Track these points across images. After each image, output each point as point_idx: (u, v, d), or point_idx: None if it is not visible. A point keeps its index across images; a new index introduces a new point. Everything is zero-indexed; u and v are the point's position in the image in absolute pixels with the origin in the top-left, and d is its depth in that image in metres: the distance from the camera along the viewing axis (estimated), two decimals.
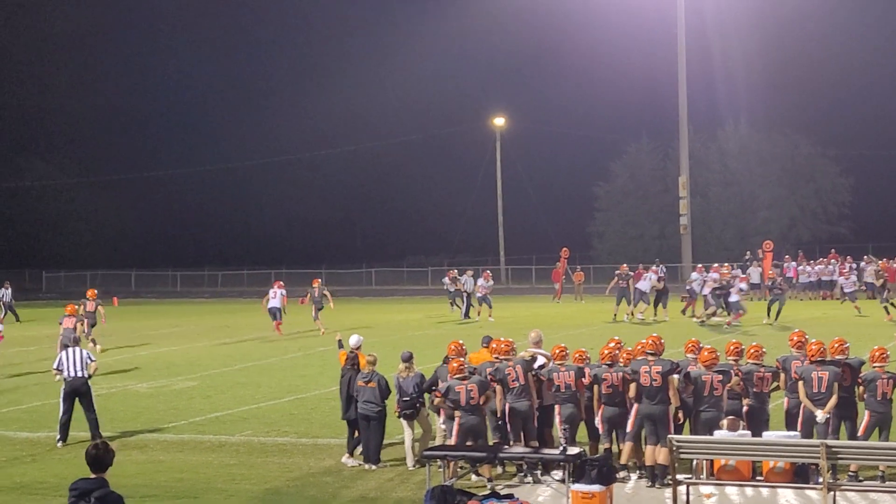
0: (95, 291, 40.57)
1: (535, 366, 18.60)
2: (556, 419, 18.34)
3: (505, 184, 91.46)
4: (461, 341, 19.08)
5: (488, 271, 51.71)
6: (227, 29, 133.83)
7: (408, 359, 19.19)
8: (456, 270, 52.31)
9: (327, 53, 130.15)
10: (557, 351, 18.48)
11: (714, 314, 41.82)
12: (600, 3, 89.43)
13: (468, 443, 17.34)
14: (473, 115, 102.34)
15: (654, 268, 47.44)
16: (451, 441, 17.65)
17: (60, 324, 34.73)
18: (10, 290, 55.49)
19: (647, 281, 44.27)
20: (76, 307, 36.22)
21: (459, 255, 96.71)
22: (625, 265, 48.39)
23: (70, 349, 22.18)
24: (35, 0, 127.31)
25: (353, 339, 21.29)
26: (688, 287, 45.31)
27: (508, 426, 18.03)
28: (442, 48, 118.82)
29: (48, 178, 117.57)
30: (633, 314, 44.57)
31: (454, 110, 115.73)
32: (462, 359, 18.20)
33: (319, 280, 47.99)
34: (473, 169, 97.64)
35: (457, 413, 17.55)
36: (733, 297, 40.78)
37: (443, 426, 18.59)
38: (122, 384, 29.80)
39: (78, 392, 21.75)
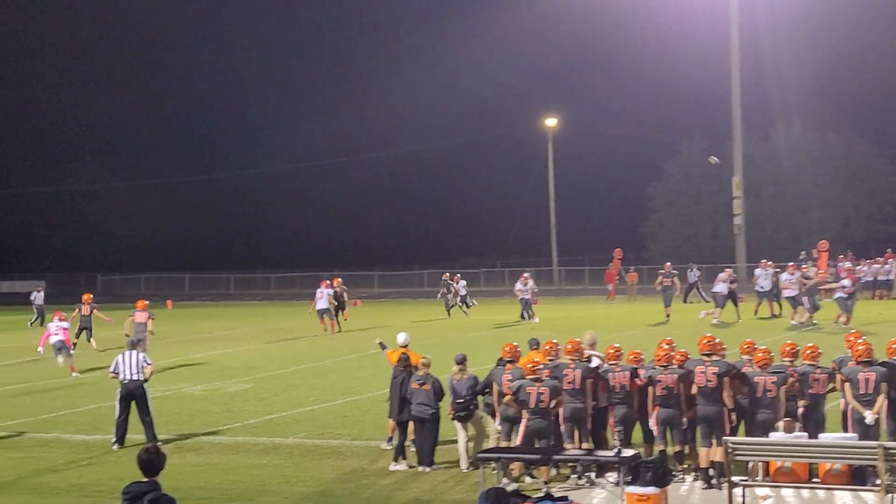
0: (90, 296, 41.40)
1: (591, 367, 18.51)
2: (610, 420, 18.28)
3: (557, 184, 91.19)
4: (516, 343, 19.02)
5: (525, 273, 51.86)
6: (279, 31, 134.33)
7: (461, 361, 19.16)
8: (448, 274, 54.45)
9: (380, 55, 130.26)
10: (611, 351, 18.41)
11: (810, 316, 41.10)
12: (653, 2, 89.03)
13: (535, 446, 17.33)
14: (525, 117, 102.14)
15: (727, 270, 46.47)
16: (518, 442, 17.61)
17: (131, 317, 35.86)
18: (42, 294, 55.47)
19: (724, 284, 43.49)
20: (146, 302, 36.96)
21: (512, 257, 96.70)
22: (668, 264, 48.26)
23: (127, 352, 22.30)
24: (87, 7, 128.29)
25: (401, 337, 21.34)
26: (758, 288, 44.69)
27: (562, 428, 17.98)
28: (494, 49, 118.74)
29: (102, 181, 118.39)
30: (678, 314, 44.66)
31: (506, 112, 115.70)
32: (537, 359, 18.11)
33: (340, 279, 48.27)
34: (526, 170, 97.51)
35: (524, 414, 17.51)
36: (839, 295, 40.17)
37: (497, 427, 18.55)
38: (177, 387, 29.94)
39: (133, 395, 21.85)
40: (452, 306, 52.36)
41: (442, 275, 55.16)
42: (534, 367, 17.65)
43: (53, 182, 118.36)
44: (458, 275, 54.85)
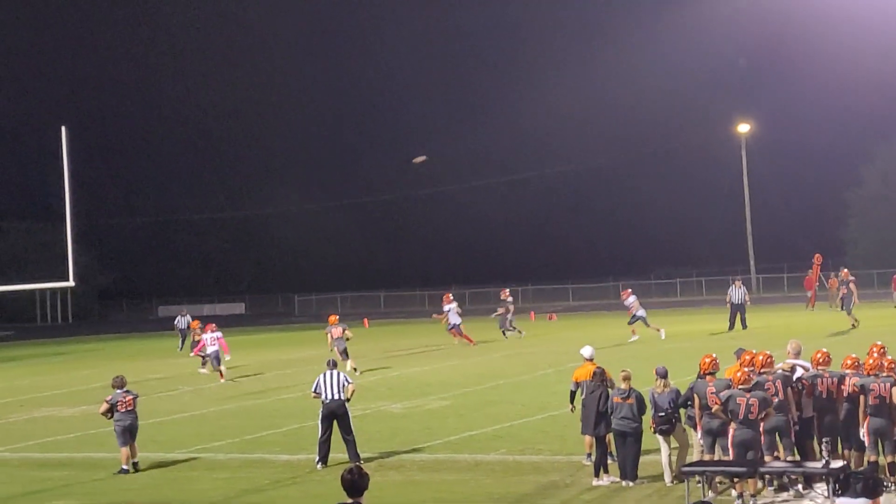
0: (336, 317, 42.38)
1: (795, 377, 18.07)
2: (815, 429, 17.79)
3: (752, 191, 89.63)
4: (714, 355, 18.64)
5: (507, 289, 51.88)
6: (446, 49, 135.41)
7: (664, 374, 18.89)
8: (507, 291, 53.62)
9: (553, 64, 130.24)
10: (819, 357, 17.96)
11: None
12: (845, 3, 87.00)
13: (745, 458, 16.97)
14: (717, 124, 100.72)
15: None
16: (730, 455, 17.28)
17: (329, 334, 38.04)
18: (187, 317, 53.13)
19: None
20: (335, 315, 39.47)
21: (708, 266, 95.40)
22: (845, 270, 47.31)
23: (328, 372, 22.48)
24: (274, 41, 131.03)
25: (587, 351, 21.28)
26: None
27: (763, 440, 17.56)
28: (678, 56, 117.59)
29: (295, 204, 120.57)
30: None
31: (696, 120, 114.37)
32: (748, 369, 17.74)
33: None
34: (719, 178, 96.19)
35: (732, 425, 17.16)
36: None
37: (700, 440, 18.22)
38: (376, 405, 30.15)
39: (335, 414, 22.03)
40: (509, 328, 49.99)
41: (501, 292, 53.47)
42: (744, 376, 17.28)
43: (248, 206, 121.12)
44: (507, 290, 53.94)
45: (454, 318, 45.31)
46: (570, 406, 21.59)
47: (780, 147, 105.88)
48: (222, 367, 38.69)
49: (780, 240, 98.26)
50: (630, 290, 47.20)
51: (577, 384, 21.02)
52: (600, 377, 19.75)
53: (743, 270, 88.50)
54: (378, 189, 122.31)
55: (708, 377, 18.15)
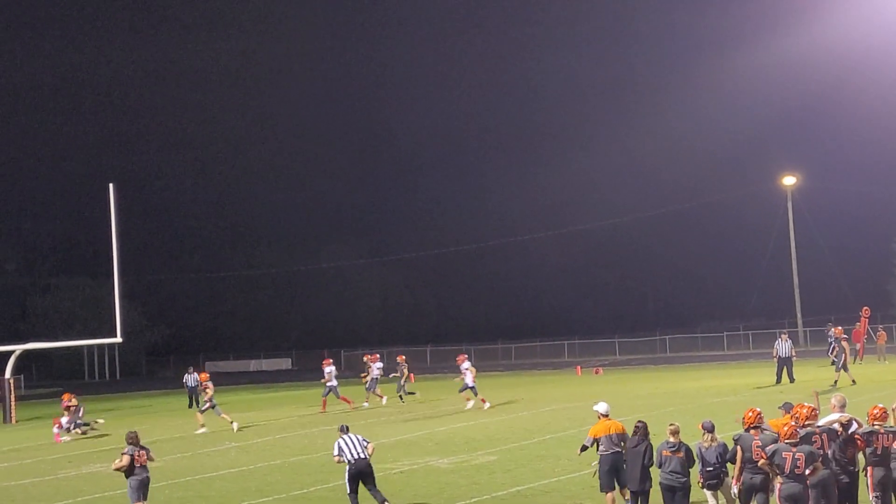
0: (404, 357, 43.12)
1: (850, 430, 17.93)
2: (868, 482, 17.63)
3: (798, 244, 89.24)
4: (759, 409, 18.54)
5: (377, 353, 51.68)
6: (492, 92, 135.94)
7: (710, 429, 18.81)
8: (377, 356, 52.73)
9: (601, 117, 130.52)
10: (876, 411, 17.87)
11: None
12: (889, 53, 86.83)
13: None
14: (762, 176, 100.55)
15: None
16: None
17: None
18: (195, 375, 53.25)
19: None
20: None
21: (755, 319, 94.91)
22: (839, 328, 47.41)
23: (346, 436, 23.07)
24: (316, 102, 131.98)
25: (602, 406, 21.34)
26: None
27: (810, 495, 17.42)
28: (725, 109, 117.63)
29: (342, 259, 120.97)
30: None
31: (741, 172, 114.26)
32: (793, 423, 17.64)
33: (403, 356, 50.54)
34: (765, 230, 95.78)
35: (778, 479, 17.05)
36: None
37: (734, 493, 18.24)
38: (424, 460, 30.10)
39: (363, 473, 22.61)
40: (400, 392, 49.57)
41: (398, 357, 53.20)
42: (791, 430, 17.16)
43: (295, 262, 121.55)
44: (377, 355, 53.48)
45: (469, 380, 45.02)
46: (579, 453, 21.76)
47: (827, 199, 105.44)
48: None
49: (827, 292, 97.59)
50: (465, 356, 46.49)
51: (594, 440, 20.94)
52: (643, 431, 19.70)
53: (790, 323, 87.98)
54: (424, 244, 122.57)
55: (752, 431, 18.06)
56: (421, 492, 24.65)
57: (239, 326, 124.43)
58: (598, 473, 20.80)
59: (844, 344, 45.64)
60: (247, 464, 31.29)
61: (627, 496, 20.18)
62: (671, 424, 19.27)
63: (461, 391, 45.55)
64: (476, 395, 45.01)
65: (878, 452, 17.52)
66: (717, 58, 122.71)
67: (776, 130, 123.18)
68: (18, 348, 58.53)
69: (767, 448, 17.38)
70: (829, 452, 17.51)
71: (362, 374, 51.56)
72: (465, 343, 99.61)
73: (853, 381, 43.99)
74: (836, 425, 18.06)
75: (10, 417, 53.79)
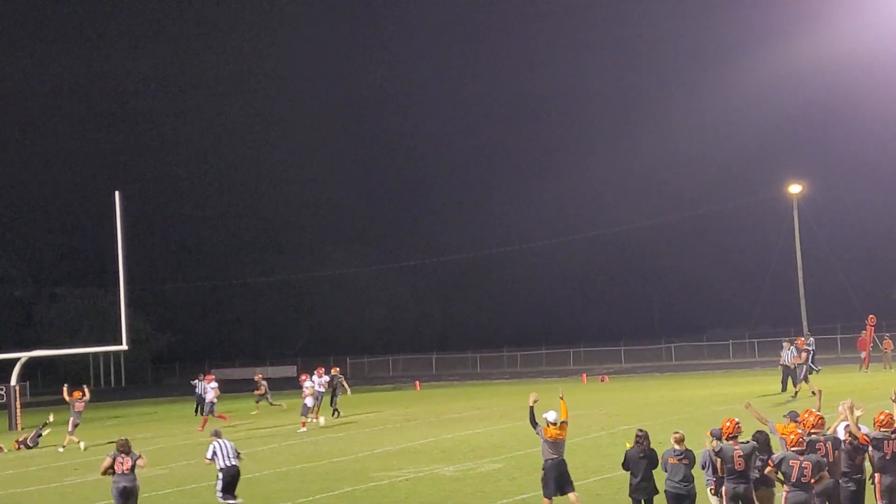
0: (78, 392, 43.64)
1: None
2: (876, 489, 17.62)
3: (804, 252, 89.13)
4: (737, 419, 18.51)
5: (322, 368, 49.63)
6: (499, 101, 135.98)
7: (719, 436, 18.78)
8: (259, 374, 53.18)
9: (607, 125, 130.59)
10: (883, 418, 17.87)
11: None
12: (894, 60, 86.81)
13: None
14: (768, 184, 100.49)
15: None
16: None
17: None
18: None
19: None
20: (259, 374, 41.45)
21: (761, 327, 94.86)
22: (801, 338, 47.41)
23: (219, 441, 24.65)
24: (321, 109, 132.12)
25: (552, 415, 21.80)
26: None
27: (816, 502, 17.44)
28: (731, 117, 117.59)
29: (349, 266, 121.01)
30: None
31: (747, 180, 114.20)
32: (800, 430, 17.65)
33: (338, 368, 50.06)
34: (771, 238, 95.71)
35: (784, 488, 17.06)
36: None
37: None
38: (429, 468, 30.10)
39: (234, 479, 24.61)
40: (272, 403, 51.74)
41: (255, 375, 53.82)
42: (797, 438, 17.16)
43: (301, 270, 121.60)
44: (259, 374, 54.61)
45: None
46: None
47: (833, 207, 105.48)
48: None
49: (833, 301, 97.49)
50: (307, 376, 46.21)
51: (545, 440, 21.66)
52: (646, 440, 19.66)
53: (796, 332, 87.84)
54: (430, 252, 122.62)
55: (731, 441, 18.09)
56: (426, 500, 24.67)
57: (245, 334, 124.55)
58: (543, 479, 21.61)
59: (805, 355, 45.43)
60: (253, 471, 31.29)
61: (574, 499, 20.98)
62: (676, 432, 19.26)
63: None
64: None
65: (887, 458, 17.51)
66: (723, 66, 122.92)
67: (782, 139, 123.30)
68: (24, 356, 58.58)
69: (775, 456, 17.39)
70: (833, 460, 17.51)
71: (256, 391, 52.46)
72: (471, 351, 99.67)
73: (813, 391, 43.94)
74: (844, 433, 18.05)
75: (16, 424, 53.84)
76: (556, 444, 21.53)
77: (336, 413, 48.02)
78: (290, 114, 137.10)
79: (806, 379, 44.70)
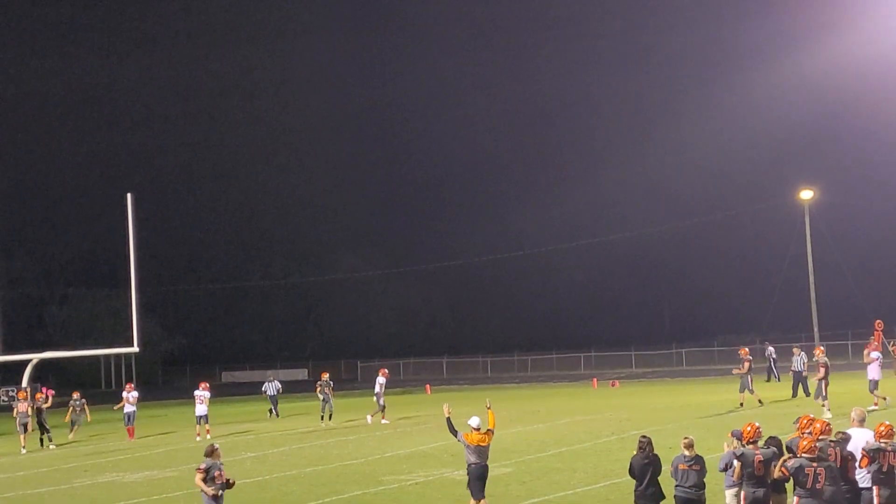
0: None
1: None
2: (875, 501, 17.54)
3: (815, 258, 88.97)
4: (757, 423, 18.49)
5: (385, 369, 50.18)
6: (511, 106, 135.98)
7: (740, 437, 18.72)
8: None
9: (617, 132, 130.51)
10: (882, 429, 17.74)
11: None
12: None
13: None
14: (780, 190, 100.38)
15: None
16: None
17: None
18: (275, 383, 53.98)
19: None
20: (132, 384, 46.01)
21: (771, 333, 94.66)
22: (745, 348, 47.26)
23: None
24: (341, 116, 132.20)
25: (475, 421, 22.49)
26: None
27: None
28: (742, 124, 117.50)
29: (359, 270, 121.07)
30: None
31: (759, 186, 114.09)
32: (811, 436, 17.62)
33: (327, 374, 49.71)
34: (783, 244, 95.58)
35: (796, 496, 17.07)
36: None
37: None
38: (439, 472, 30.12)
39: None
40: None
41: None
42: (810, 444, 17.14)
43: (312, 273, 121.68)
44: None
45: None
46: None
47: (844, 213, 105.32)
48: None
49: (844, 307, 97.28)
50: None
51: (466, 444, 22.64)
52: (649, 446, 19.59)
53: (807, 337, 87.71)
54: (441, 256, 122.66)
55: (751, 445, 18.07)
56: (437, 503, 24.67)
57: (256, 337, 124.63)
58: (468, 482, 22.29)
59: (747, 365, 45.19)
60: (263, 474, 31.33)
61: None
62: (685, 438, 19.20)
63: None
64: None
65: (884, 470, 17.42)
66: (734, 74, 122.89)
67: (793, 145, 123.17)
68: (36, 357, 58.68)
69: (789, 464, 17.31)
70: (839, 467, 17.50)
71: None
72: (482, 355, 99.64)
73: (760, 401, 43.80)
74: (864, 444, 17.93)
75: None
76: (479, 451, 22.35)
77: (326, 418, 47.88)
78: (303, 118, 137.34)
79: (751, 390, 44.29)
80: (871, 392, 41.87)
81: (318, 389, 48.10)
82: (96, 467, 36.01)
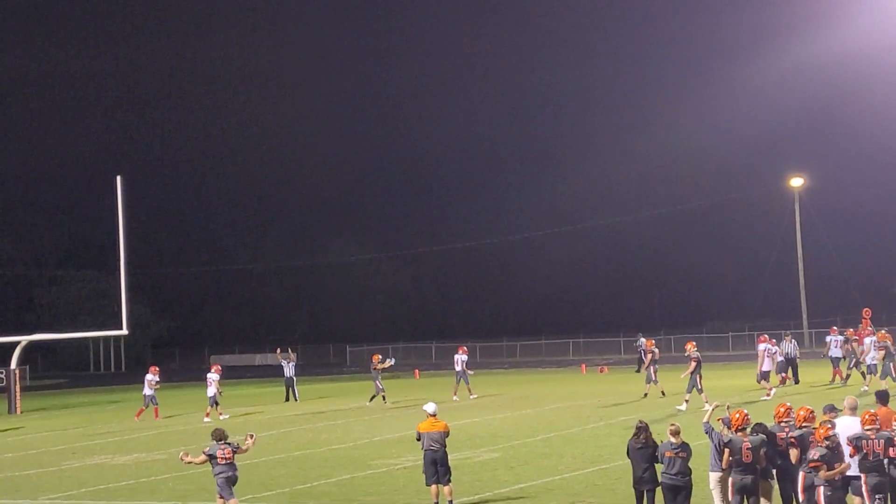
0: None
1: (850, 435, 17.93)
2: (864, 489, 17.58)
3: (804, 245, 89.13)
4: (745, 411, 18.53)
5: (464, 346, 50.30)
6: (501, 91, 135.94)
7: (729, 424, 18.74)
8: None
9: (608, 118, 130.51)
10: (867, 416, 17.78)
11: None
12: None
13: None
14: (770, 177, 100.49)
15: None
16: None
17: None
18: (291, 365, 52.38)
19: None
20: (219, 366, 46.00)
21: (761, 320, 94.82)
22: (692, 343, 47.17)
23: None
24: (331, 95, 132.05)
25: (430, 407, 22.70)
26: None
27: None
28: (733, 111, 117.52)
29: (350, 254, 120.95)
30: None
31: (749, 173, 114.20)
32: (828, 424, 17.71)
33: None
34: (772, 231, 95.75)
35: (817, 483, 17.16)
36: None
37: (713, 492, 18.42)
38: None
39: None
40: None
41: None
42: (826, 433, 17.30)
43: (301, 257, 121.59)
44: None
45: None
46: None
47: (834, 200, 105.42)
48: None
49: (834, 294, 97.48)
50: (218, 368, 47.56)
51: (420, 435, 22.68)
52: (646, 432, 19.55)
53: (796, 324, 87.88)
54: (430, 240, 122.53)
55: (739, 433, 18.13)
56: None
57: (245, 320, 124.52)
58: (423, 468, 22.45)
59: (650, 355, 45.19)
60: (251, 457, 31.33)
61: (448, 491, 22.09)
62: (672, 425, 19.19)
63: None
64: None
65: (870, 458, 17.45)
66: (726, 62, 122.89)
67: (785, 132, 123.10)
68: (24, 339, 58.65)
69: (813, 453, 17.27)
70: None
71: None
72: (470, 340, 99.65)
73: (662, 392, 43.83)
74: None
75: (16, 408, 53.94)
76: (430, 436, 22.38)
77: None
78: (292, 101, 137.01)
79: (655, 381, 44.11)
80: (758, 381, 43.41)
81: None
82: (84, 450, 36.01)
